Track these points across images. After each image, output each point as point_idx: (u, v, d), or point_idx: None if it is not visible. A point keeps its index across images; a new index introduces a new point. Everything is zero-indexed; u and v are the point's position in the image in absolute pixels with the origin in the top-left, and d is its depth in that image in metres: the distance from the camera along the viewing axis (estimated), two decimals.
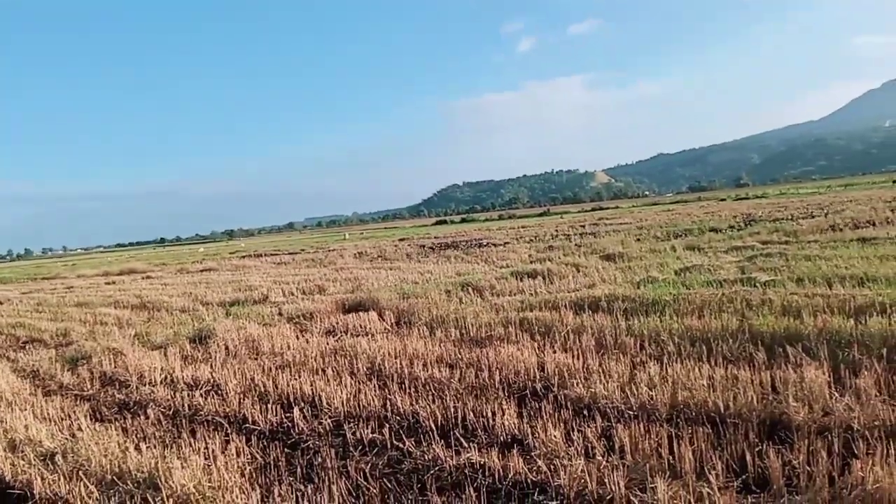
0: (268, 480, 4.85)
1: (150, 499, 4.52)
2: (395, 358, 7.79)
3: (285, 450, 5.48)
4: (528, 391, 6.21)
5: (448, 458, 4.81)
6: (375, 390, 6.60)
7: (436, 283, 14.82)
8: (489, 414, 5.51)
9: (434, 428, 5.48)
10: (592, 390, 5.78)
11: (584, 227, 38.21)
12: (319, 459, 5.15)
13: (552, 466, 4.43)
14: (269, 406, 6.45)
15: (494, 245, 27.80)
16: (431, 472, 4.69)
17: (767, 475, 4.06)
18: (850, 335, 6.48)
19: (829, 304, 7.85)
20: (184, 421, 6.49)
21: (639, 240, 23.03)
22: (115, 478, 4.99)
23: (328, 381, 7.05)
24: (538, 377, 6.52)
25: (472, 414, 5.63)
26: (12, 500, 5.10)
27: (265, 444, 5.62)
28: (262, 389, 7.17)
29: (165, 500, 4.45)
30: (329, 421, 5.97)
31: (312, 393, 6.75)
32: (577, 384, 6.00)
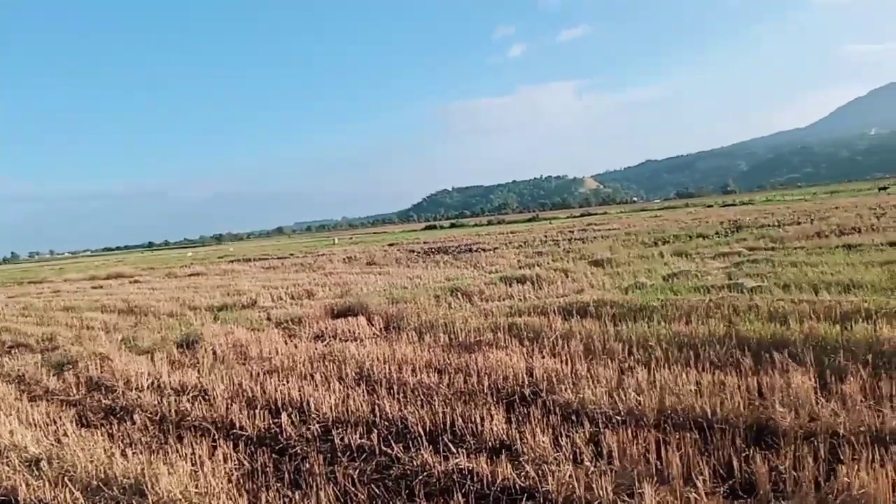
0: (255, 486, 4.82)
1: None
2: (384, 363, 7.77)
3: (273, 455, 5.45)
4: (516, 396, 6.22)
5: (436, 464, 4.80)
6: (364, 395, 6.58)
7: (425, 288, 14.81)
8: (478, 419, 5.50)
9: (422, 433, 5.47)
10: (581, 396, 5.79)
11: (572, 232, 38.30)
12: (307, 465, 5.13)
13: (540, 472, 4.44)
14: (257, 411, 6.41)
15: (483, 250, 27.81)
16: (420, 477, 4.68)
17: (754, 480, 4.08)
18: (836, 341, 6.54)
19: (815, 310, 7.91)
20: (171, 426, 6.44)
21: (627, 246, 23.13)
22: (100, 484, 4.96)
23: (316, 386, 7.03)
24: (527, 382, 6.52)
25: (460, 419, 5.62)
26: None
27: (253, 449, 5.59)
28: (250, 395, 7.13)
29: None
30: (317, 426, 5.95)
31: (300, 398, 6.72)
32: (566, 389, 6.02)
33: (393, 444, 5.29)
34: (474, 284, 13.95)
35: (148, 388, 7.98)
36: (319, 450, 5.45)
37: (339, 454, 5.31)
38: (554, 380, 6.41)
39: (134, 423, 6.66)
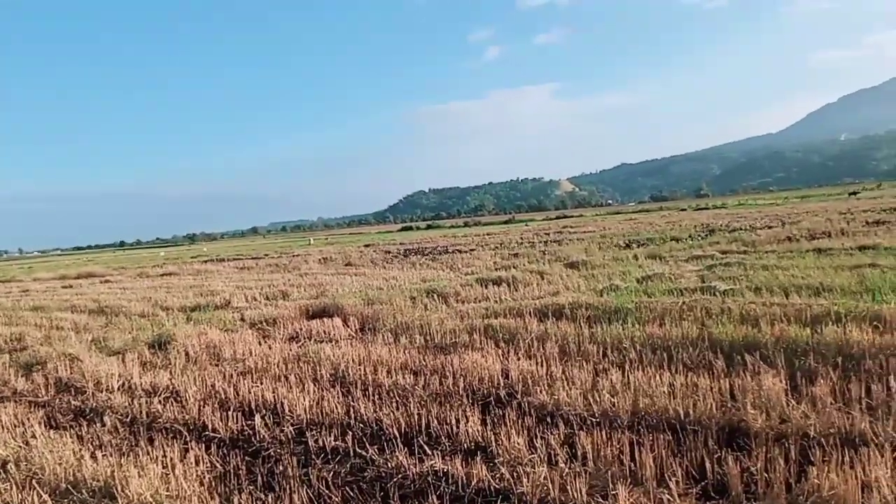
0: (227, 489, 4.76)
1: None
2: (359, 364, 7.73)
3: (246, 458, 5.40)
4: (492, 398, 6.22)
5: (411, 466, 4.79)
6: (339, 397, 6.53)
7: (401, 289, 14.77)
8: (453, 421, 5.50)
9: (398, 435, 5.45)
10: (556, 397, 5.81)
11: (548, 234, 38.49)
12: (281, 467, 5.08)
13: (515, 474, 4.44)
14: (230, 413, 6.33)
15: (460, 252, 27.82)
16: (394, 479, 4.66)
17: (726, 482, 4.13)
18: (807, 344, 6.64)
19: (786, 312, 8.03)
20: (141, 428, 6.34)
21: (602, 248, 23.31)
22: (69, 486, 4.87)
23: (291, 387, 6.96)
24: (502, 384, 6.53)
25: (435, 421, 5.61)
26: None
27: (225, 452, 5.53)
28: (223, 396, 7.05)
29: None
30: (291, 428, 5.90)
31: (274, 400, 6.66)
32: (541, 391, 6.04)
33: (368, 446, 5.27)
34: (450, 286, 13.94)
35: (118, 389, 7.85)
36: (293, 452, 5.40)
37: (314, 456, 5.27)
38: (529, 381, 6.43)
39: (104, 424, 6.54)
